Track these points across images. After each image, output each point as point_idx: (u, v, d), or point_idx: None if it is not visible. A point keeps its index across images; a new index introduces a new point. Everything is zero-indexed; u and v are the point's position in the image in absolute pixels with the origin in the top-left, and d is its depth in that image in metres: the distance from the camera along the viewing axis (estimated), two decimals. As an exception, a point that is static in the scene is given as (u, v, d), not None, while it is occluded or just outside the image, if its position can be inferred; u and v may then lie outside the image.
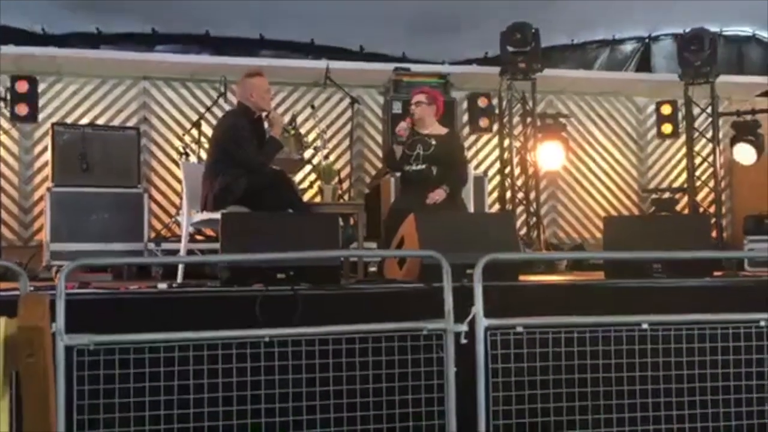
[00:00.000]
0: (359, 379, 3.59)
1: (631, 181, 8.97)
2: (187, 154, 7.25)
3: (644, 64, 9.46)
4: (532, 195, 7.90)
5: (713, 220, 7.59)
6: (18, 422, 1.44)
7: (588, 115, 8.90)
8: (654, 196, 8.58)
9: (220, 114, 6.73)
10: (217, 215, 4.79)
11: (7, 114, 6.93)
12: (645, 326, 3.63)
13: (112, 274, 6.06)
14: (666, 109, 8.34)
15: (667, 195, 8.48)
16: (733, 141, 8.01)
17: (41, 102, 7.23)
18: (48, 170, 6.70)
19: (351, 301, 4.01)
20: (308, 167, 7.38)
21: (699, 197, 8.34)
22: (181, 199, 6.45)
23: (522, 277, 4.68)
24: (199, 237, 6.69)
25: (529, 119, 7.94)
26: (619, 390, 3.80)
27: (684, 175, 8.55)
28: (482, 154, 8.49)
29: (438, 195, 5.62)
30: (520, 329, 3.51)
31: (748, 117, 8.00)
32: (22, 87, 6.86)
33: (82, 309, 3.37)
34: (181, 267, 5.44)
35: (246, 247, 4.12)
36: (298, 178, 7.33)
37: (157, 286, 4.31)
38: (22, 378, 1.39)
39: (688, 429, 3.81)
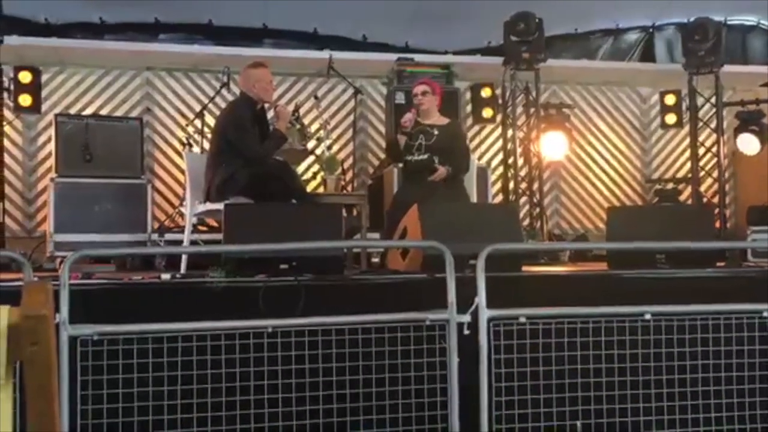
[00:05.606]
0: (362, 369, 3.59)
1: (635, 171, 8.95)
2: (190, 145, 7.24)
3: (648, 53, 9.40)
4: (536, 185, 7.88)
5: (717, 211, 7.57)
6: (22, 412, 1.44)
7: (591, 105, 8.88)
8: (657, 186, 8.56)
9: (223, 104, 6.73)
10: (220, 206, 4.79)
11: (11, 105, 6.91)
12: (648, 317, 3.63)
13: (116, 264, 6.06)
14: (670, 99, 8.32)
15: (670, 185, 8.47)
16: (737, 131, 7.99)
17: (44, 93, 7.21)
18: (51, 161, 6.69)
19: (354, 291, 4.01)
20: (311, 158, 7.38)
21: (703, 188, 8.31)
22: (184, 189, 6.45)
23: (525, 268, 4.68)
24: (202, 228, 6.69)
25: (532, 109, 7.91)
26: (621, 381, 3.81)
27: (687, 166, 8.54)
28: (485, 145, 8.48)
29: (440, 174, 5.65)
30: (522, 320, 3.51)
31: (753, 107, 7.97)
32: (26, 77, 6.85)
33: (85, 299, 3.38)
34: (184, 258, 5.45)
35: (249, 237, 4.13)
36: (301, 168, 7.32)
37: (161, 277, 4.32)
38: (25, 367, 1.38)
39: (691, 419, 3.81)
